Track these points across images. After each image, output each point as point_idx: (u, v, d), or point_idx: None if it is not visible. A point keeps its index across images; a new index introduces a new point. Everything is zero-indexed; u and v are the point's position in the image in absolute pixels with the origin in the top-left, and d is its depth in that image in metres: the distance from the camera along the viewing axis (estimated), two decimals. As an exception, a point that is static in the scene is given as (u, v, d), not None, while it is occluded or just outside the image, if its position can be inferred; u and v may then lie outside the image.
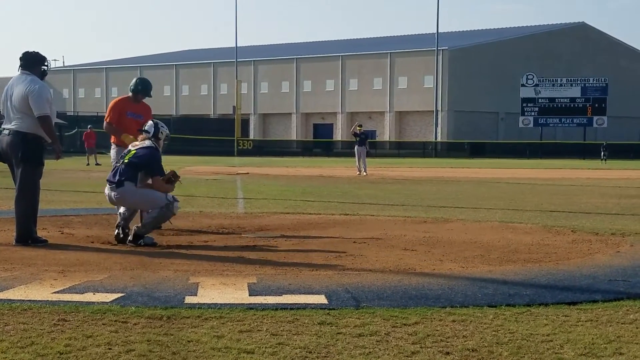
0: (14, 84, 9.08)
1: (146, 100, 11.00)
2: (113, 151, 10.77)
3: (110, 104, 10.94)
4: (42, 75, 9.22)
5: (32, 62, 9.16)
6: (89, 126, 42.46)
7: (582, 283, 6.96)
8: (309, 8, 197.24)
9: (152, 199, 9.13)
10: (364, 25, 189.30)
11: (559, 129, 77.88)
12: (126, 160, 9.21)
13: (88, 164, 37.22)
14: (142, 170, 9.22)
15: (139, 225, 9.13)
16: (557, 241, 9.81)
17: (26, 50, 9.26)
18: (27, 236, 8.93)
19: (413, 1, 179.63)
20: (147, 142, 9.37)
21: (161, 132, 9.53)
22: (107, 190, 9.29)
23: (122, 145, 10.46)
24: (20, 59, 9.16)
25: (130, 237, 9.13)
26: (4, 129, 9.16)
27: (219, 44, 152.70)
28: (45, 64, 9.30)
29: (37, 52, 9.25)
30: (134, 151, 9.27)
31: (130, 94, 10.85)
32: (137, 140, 9.64)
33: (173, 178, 9.54)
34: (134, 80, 10.97)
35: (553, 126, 72.95)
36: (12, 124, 8.99)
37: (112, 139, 10.89)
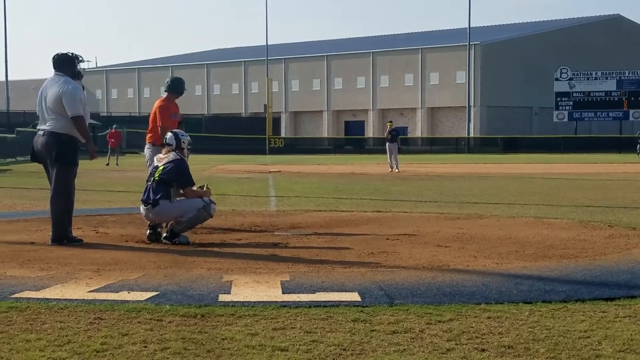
0: (48, 85, 9.17)
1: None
2: (148, 150, 10.81)
3: (161, 108, 10.86)
4: (77, 75, 9.29)
5: (64, 63, 9.24)
6: (114, 126, 42.69)
7: (620, 278, 6.88)
8: (339, 5, 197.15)
9: (189, 206, 9.17)
10: (394, 21, 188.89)
11: (594, 123, 77.05)
12: (157, 178, 9.24)
13: (117, 164, 37.39)
14: (173, 184, 9.26)
15: (175, 223, 9.15)
16: (594, 236, 9.71)
17: (58, 52, 9.34)
18: (62, 236, 9.00)
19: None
20: (172, 155, 9.41)
21: (183, 142, 9.56)
22: (142, 211, 9.32)
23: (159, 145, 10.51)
24: (52, 60, 9.25)
25: (165, 234, 9.19)
26: (38, 129, 9.26)
27: (250, 42, 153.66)
28: (78, 63, 9.34)
29: (68, 53, 9.31)
30: (162, 167, 9.29)
31: (165, 94, 10.91)
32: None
33: (206, 192, 9.65)
34: (168, 80, 11.12)
35: (588, 120, 72.18)
36: (47, 124, 9.08)
37: (148, 137, 10.91)
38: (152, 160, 10.33)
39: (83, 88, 9.48)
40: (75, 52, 9.33)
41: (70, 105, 8.94)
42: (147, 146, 10.91)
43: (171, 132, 9.70)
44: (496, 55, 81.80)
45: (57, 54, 9.30)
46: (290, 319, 5.40)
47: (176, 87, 11.05)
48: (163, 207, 9.11)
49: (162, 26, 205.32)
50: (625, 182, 22.81)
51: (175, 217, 9.12)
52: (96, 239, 9.55)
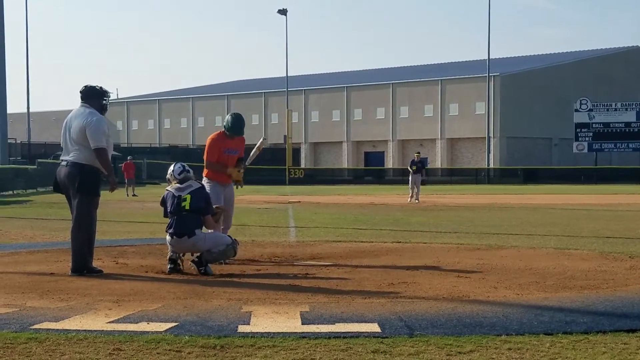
0: (73, 117, 9.26)
1: (206, 130, 10.95)
2: (207, 185, 10.52)
3: (209, 142, 10.75)
4: (102, 108, 9.38)
5: (92, 95, 9.33)
6: (128, 157, 42.93)
7: (642, 310, 6.81)
8: (359, 36, 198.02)
9: (221, 240, 9.39)
10: (414, 53, 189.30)
11: (614, 154, 76.72)
12: (188, 208, 9.31)
13: (127, 195, 37.56)
14: (202, 213, 9.38)
15: (207, 253, 9.21)
16: (615, 267, 9.63)
17: (86, 83, 9.44)
18: (83, 266, 9.04)
19: (464, 28, 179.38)
20: (195, 184, 9.54)
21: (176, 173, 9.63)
22: (175, 242, 9.28)
23: (223, 182, 10.56)
24: (80, 92, 9.34)
25: (195, 258, 9.25)
26: (62, 160, 9.33)
27: (270, 74, 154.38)
28: (105, 97, 9.46)
29: (97, 86, 9.42)
30: (189, 196, 9.36)
31: (223, 129, 10.76)
32: (237, 172, 10.43)
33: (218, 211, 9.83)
34: (228, 117, 10.81)
35: (608, 151, 71.82)
36: (70, 155, 9.16)
37: (206, 172, 10.67)
38: (215, 196, 10.37)
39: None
40: (104, 86, 9.44)
41: (93, 137, 9.02)
42: (205, 181, 10.59)
43: (178, 163, 9.74)
44: (516, 86, 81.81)
45: (86, 86, 9.40)
46: (309, 350, 5.38)
47: (232, 127, 10.62)
48: (199, 237, 9.25)
49: (183, 58, 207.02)
50: (646, 213, 22.63)
51: (208, 247, 9.21)
52: (116, 269, 9.57)
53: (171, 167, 9.67)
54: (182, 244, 9.25)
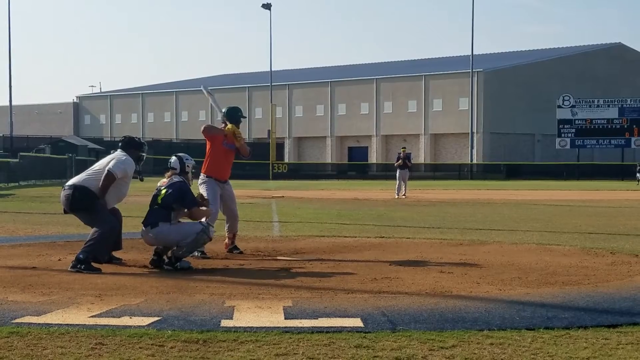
0: (108, 157, 9.67)
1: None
2: (205, 182, 10.57)
3: (210, 126, 11.10)
4: (139, 159, 9.77)
5: (130, 146, 9.73)
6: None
7: (622, 305, 6.87)
8: (343, 31, 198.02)
9: (187, 231, 9.24)
10: (398, 48, 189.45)
11: (596, 151, 77.15)
12: (159, 202, 9.32)
13: None
14: (175, 207, 9.30)
15: (176, 248, 9.18)
16: (596, 263, 9.69)
17: (127, 134, 10.14)
18: (79, 262, 8.99)
19: (447, 23, 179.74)
20: (176, 178, 9.49)
21: (187, 166, 9.64)
22: (142, 233, 9.44)
23: (220, 178, 10.58)
24: (120, 141, 9.88)
25: (166, 260, 9.21)
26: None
27: (254, 68, 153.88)
28: (143, 150, 9.87)
29: (136, 138, 10.00)
30: (164, 191, 9.37)
31: (223, 126, 10.91)
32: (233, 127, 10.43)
33: (202, 200, 9.74)
34: (224, 109, 10.95)
35: (590, 147, 72.25)
36: (74, 180, 9.57)
37: (204, 169, 10.64)
38: (211, 194, 10.36)
39: (140, 175, 10.09)
40: (142, 139, 10.02)
41: (113, 164, 9.36)
42: (202, 177, 10.61)
43: (175, 155, 9.77)
44: (499, 82, 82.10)
45: (126, 136, 9.95)
46: (292, 344, 5.39)
47: (232, 117, 10.85)
48: (161, 229, 9.17)
49: (166, 51, 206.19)
50: (627, 209, 22.77)
51: (174, 240, 9.15)
52: (98, 263, 9.52)
53: (190, 159, 9.79)
54: (145, 233, 9.33)
